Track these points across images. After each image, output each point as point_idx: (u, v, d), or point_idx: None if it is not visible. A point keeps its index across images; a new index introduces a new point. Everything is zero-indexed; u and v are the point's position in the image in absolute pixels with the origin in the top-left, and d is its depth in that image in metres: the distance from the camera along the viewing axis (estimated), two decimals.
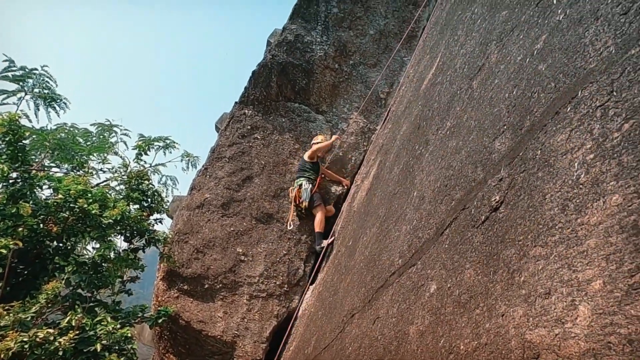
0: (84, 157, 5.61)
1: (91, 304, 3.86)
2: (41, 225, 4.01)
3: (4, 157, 4.02)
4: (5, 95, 5.37)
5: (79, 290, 3.96)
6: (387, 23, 6.48)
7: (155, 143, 5.58)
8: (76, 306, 3.63)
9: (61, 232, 4.07)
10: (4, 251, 3.39)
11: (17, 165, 4.05)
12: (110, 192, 4.96)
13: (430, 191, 2.15)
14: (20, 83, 5.40)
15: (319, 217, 5.16)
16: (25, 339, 3.09)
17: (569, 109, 1.23)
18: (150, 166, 6.00)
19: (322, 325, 3.39)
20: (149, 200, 4.81)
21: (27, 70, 5.47)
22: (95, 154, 5.87)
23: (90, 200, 4.11)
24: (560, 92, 1.31)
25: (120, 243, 4.57)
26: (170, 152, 6.10)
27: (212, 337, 4.76)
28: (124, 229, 4.43)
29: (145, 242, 4.65)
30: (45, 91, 5.57)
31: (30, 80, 5.48)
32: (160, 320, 4.40)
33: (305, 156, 5.35)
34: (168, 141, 5.82)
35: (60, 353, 3.19)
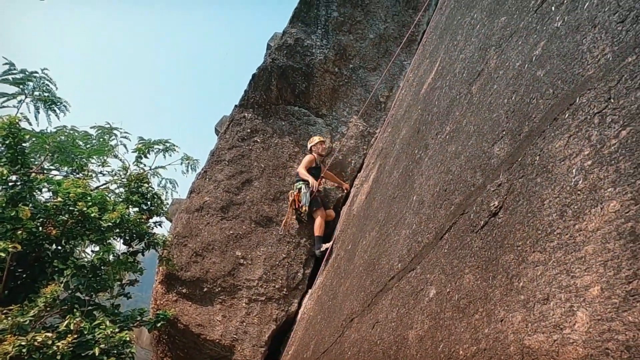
0: (84, 160, 5.62)
1: (90, 308, 3.85)
2: (40, 228, 4.01)
3: (4, 160, 4.02)
4: (5, 98, 5.38)
5: (78, 294, 3.95)
6: (387, 27, 6.51)
7: (155, 146, 5.60)
8: (75, 310, 3.62)
9: (60, 235, 4.06)
10: (2, 254, 3.39)
11: (16, 168, 4.05)
12: (109, 195, 4.97)
13: (430, 195, 2.16)
14: (21, 86, 5.41)
15: (318, 221, 5.16)
16: (23, 343, 3.08)
17: (567, 115, 1.24)
18: (150, 169, 6.01)
19: (321, 329, 3.38)
20: (149, 203, 4.81)
21: (27, 73, 5.48)
22: (94, 157, 5.88)
23: (90, 203, 4.11)
24: (558, 98, 1.32)
25: (120, 246, 4.58)
26: (170, 155, 6.11)
27: (210, 340, 4.75)
28: (123, 232, 4.42)
29: (145, 245, 4.65)
30: (46, 94, 5.58)
31: (31, 83, 5.49)
32: (158, 324, 4.39)
33: (300, 168, 5.31)
34: (168, 144, 5.84)
35: (59, 357, 3.18)
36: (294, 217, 5.31)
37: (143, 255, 4.71)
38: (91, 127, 6.12)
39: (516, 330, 1.12)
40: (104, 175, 6.03)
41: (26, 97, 5.46)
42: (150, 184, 4.93)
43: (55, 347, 3.18)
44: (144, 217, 4.66)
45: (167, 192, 7.02)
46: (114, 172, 5.82)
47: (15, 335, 3.14)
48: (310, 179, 5.21)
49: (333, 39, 6.26)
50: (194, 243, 5.08)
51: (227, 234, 5.16)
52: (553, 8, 1.60)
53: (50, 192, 4.46)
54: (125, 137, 6.25)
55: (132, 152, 5.17)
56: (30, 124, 5.52)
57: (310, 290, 4.82)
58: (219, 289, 4.91)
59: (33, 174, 4.34)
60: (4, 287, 3.66)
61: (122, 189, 5.12)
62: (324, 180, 5.57)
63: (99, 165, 5.92)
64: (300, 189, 5.22)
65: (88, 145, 5.97)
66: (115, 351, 3.58)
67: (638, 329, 0.79)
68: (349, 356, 2.44)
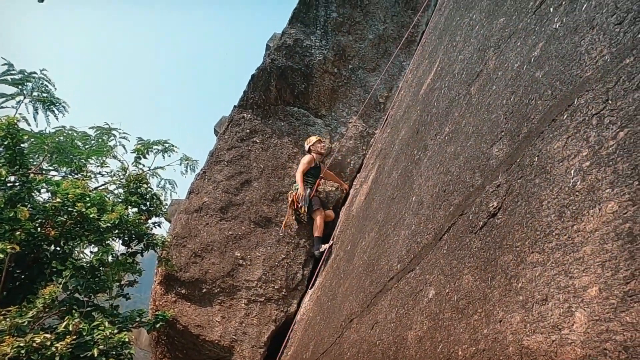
0: (83, 160, 5.60)
1: (88, 309, 3.84)
2: (39, 229, 4.00)
3: (2, 160, 4.01)
4: (4, 99, 5.37)
5: (77, 295, 3.94)
6: (386, 28, 6.52)
7: (154, 146, 5.58)
8: (73, 311, 3.61)
9: (59, 236, 4.06)
10: (1, 255, 3.38)
11: (15, 168, 4.04)
12: (108, 195, 4.95)
13: (429, 196, 2.16)
14: (19, 86, 5.40)
15: (317, 222, 5.16)
16: (21, 344, 3.07)
17: (565, 116, 1.25)
18: (149, 169, 6.00)
19: (321, 330, 3.38)
20: (148, 203, 4.80)
21: (26, 73, 5.47)
22: (93, 158, 5.87)
23: (89, 204, 4.10)
24: (557, 99, 1.33)
25: (118, 247, 4.57)
26: (169, 156, 6.09)
27: (209, 341, 4.74)
28: (122, 232, 4.42)
29: (144, 246, 4.64)
30: (44, 95, 5.57)
31: (29, 84, 5.48)
32: (157, 325, 4.39)
33: (298, 172, 5.28)
34: (167, 144, 5.82)
35: (57, 358, 3.17)
36: (294, 217, 5.31)
37: (142, 256, 4.70)
38: (90, 128, 6.11)
39: (515, 330, 1.13)
40: (102, 175, 6.02)
41: (25, 97, 5.45)
42: (149, 185, 4.93)
43: (53, 348, 3.17)
44: (143, 217, 4.66)
45: (166, 193, 7.00)
46: (112, 173, 5.81)
47: (14, 337, 3.13)
48: (301, 187, 5.11)
49: (332, 39, 6.27)
50: (193, 244, 5.08)
51: (226, 234, 5.16)
52: (551, 9, 1.60)
53: (49, 193, 4.46)
54: (124, 138, 6.24)
55: (131, 152, 5.16)
56: (29, 124, 5.51)
57: (309, 291, 4.82)
58: (218, 289, 4.91)
59: (32, 175, 4.33)
60: (2, 288, 3.65)
61: (121, 190, 5.11)
62: (323, 180, 5.57)
63: (98, 166, 5.92)
64: (299, 189, 5.22)
65: (87, 146, 5.96)
66: (114, 352, 3.57)
67: (636, 329, 0.79)
68: (349, 357, 2.44)
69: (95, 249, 4.26)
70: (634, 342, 0.79)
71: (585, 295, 0.93)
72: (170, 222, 6.02)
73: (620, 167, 0.96)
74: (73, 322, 3.42)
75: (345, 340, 2.63)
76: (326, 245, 4.84)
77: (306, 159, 5.31)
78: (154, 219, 4.92)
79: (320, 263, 4.82)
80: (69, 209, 4.01)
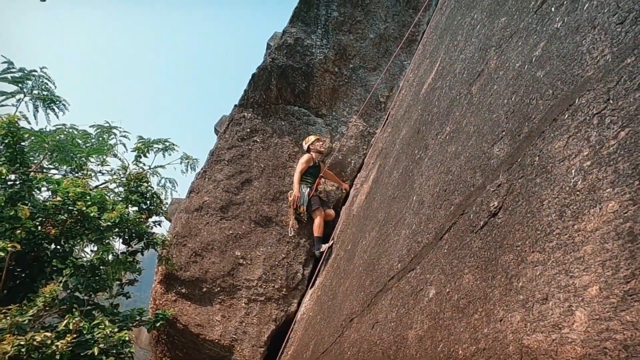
0: (83, 159, 5.60)
1: (89, 307, 3.84)
2: (39, 227, 4.00)
3: (3, 159, 4.01)
4: (4, 97, 5.36)
5: (77, 294, 3.95)
6: (387, 27, 6.51)
7: (155, 145, 5.58)
8: (74, 309, 3.62)
9: (59, 235, 4.06)
10: (1, 254, 3.38)
11: (15, 167, 4.04)
12: (109, 194, 4.95)
13: (430, 196, 2.16)
14: (19, 85, 5.40)
15: (317, 221, 5.16)
16: (22, 343, 3.08)
17: (566, 116, 1.25)
18: (150, 168, 6.00)
19: (321, 329, 3.38)
20: (148, 202, 4.80)
21: (26, 71, 5.46)
22: (94, 156, 5.86)
23: (89, 203, 4.10)
24: (558, 99, 1.33)
25: (119, 246, 4.57)
26: (170, 155, 6.09)
27: (209, 341, 4.75)
28: (122, 231, 4.42)
29: (144, 245, 4.65)
30: (45, 93, 5.57)
31: (30, 82, 5.47)
32: (158, 324, 4.39)
33: (296, 172, 5.28)
34: (167, 143, 5.82)
35: (58, 357, 3.17)
36: (294, 217, 5.31)
37: (142, 254, 4.70)
38: (90, 126, 6.10)
39: (515, 330, 1.13)
40: (103, 174, 6.01)
41: (25, 95, 5.45)
42: (149, 184, 4.92)
43: (54, 347, 3.17)
44: (143, 216, 4.66)
45: (166, 192, 6.99)
46: (113, 172, 5.80)
47: (14, 335, 3.14)
48: (296, 189, 5.11)
49: (333, 38, 6.26)
50: (193, 243, 5.08)
51: (226, 233, 5.16)
52: (553, 9, 1.60)
53: (50, 192, 4.46)
54: (124, 136, 6.23)
55: (132, 151, 5.16)
56: (29, 122, 5.51)
57: (309, 291, 4.82)
58: (219, 289, 4.91)
59: (32, 173, 4.33)
60: (2, 287, 3.66)
61: (121, 188, 5.11)
62: (323, 180, 5.57)
63: (98, 165, 5.91)
64: (294, 190, 5.22)
65: (87, 144, 5.95)
66: (114, 351, 3.58)
67: (636, 328, 0.80)
68: (349, 356, 2.44)
69: (96, 248, 4.27)
70: (634, 341, 0.79)
71: (585, 295, 0.94)
72: (170, 221, 6.03)
73: (621, 167, 0.96)
74: (73, 321, 3.42)
75: (345, 339, 2.63)
76: (326, 245, 4.84)
77: (304, 158, 5.31)
78: (155, 218, 4.93)
79: (321, 262, 4.82)
80: (70, 207, 4.01)
